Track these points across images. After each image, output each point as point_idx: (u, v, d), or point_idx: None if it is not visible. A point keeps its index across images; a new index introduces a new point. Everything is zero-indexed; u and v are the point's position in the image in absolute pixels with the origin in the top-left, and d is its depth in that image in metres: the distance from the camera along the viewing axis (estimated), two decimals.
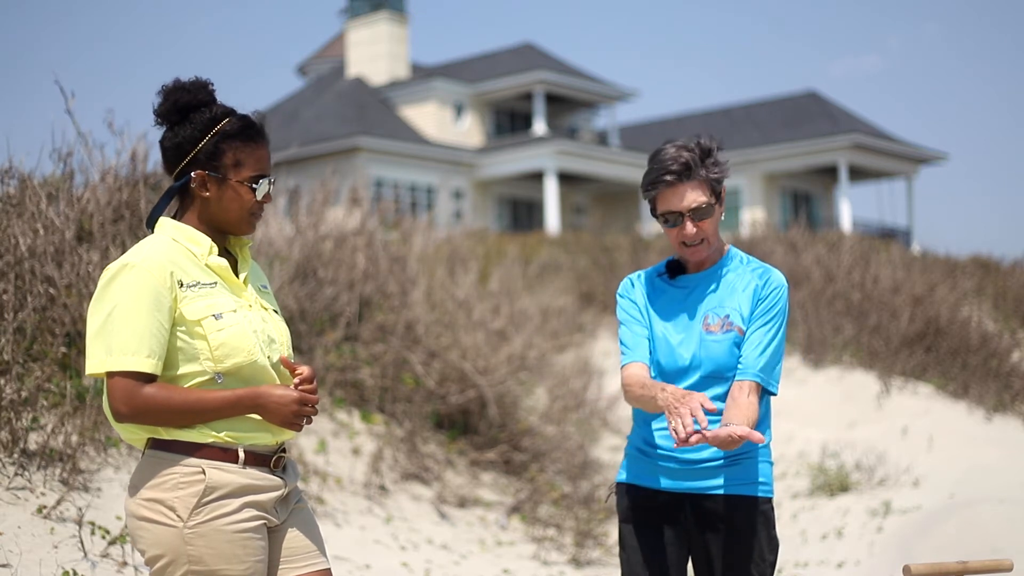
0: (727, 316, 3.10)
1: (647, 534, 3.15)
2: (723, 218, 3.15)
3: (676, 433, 2.80)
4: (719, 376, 3.09)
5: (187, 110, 2.69)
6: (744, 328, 3.09)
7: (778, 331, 3.10)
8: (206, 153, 2.68)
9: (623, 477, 3.24)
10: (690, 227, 3.07)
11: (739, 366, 3.07)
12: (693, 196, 3.05)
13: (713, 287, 3.15)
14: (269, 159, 2.77)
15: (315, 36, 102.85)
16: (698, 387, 3.10)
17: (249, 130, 2.72)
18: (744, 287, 3.13)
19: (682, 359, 3.11)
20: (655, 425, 3.16)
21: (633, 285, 3.25)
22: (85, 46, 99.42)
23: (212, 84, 2.74)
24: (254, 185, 2.72)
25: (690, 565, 3.22)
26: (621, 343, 3.21)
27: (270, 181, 2.76)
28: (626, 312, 3.22)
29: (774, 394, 3.12)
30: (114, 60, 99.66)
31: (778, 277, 3.15)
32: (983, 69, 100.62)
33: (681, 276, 3.19)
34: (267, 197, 2.76)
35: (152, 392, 2.56)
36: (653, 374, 3.16)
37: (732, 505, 3.10)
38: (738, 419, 2.94)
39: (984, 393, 12.29)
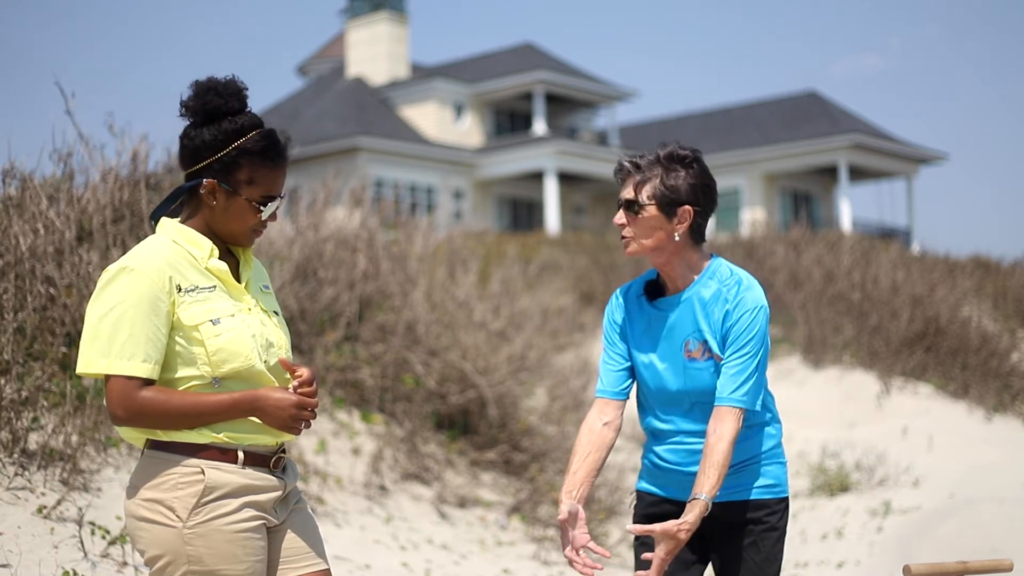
0: (705, 342, 3.07)
1: None
2: (681, 235, 3.04)
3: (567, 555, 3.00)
4: (707, 400, 3.07)
5: (215, 115, 2.66)
6: (722, 356, 3.05)
7: (755, 355, 3.03)
8: (222, 164, 2.66)
9: (640, 485, 3.28)
10: (618, 215, 3.10)
11: (717, 394, 3.03)
12: (629, 190, 3.08)
13: (689, 311, 3.09)
14: (284, 180, 2.74)
15: (315, 36, 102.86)
16: (689, 414, 3.11)
17: (270, 151, 2.69)
18: (718, 312, 3.06)
19: (670, 387, 3.11)
20: (655, 447, 3.19)
21: (617, 302, 3.24)
22: (85, 46, 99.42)
23: (247, 91, 2.70)
24: (262, 207, 2.70)
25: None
26: (600, 366, 3.26)
27: (279, 201, 2.74)
28: (606, 336, 3.24)
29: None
30: (114, 60, 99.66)
31: (752, 298, 3.05)
32: (983, 69, 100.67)
33: (659, 299, 3.15)
34: (272, 217, 2.74)
35: (149, 396, 2.56)
36: (644, 399, 3.20)
37: (747, 508, 3.11)
38: (704, 480, 2.93)
39: (984, 393, 12.29)
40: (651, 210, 3.05)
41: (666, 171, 3.05)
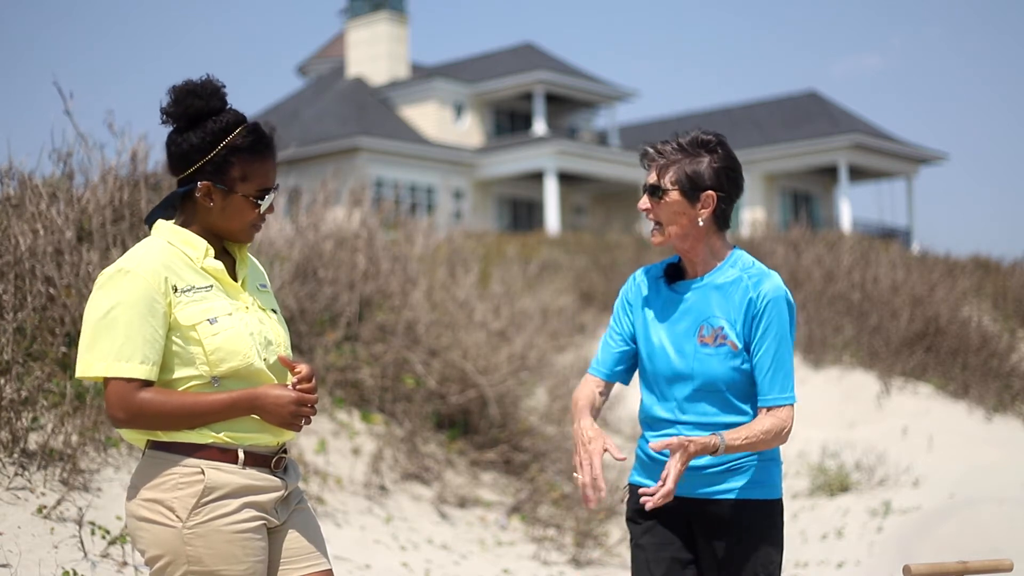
0: (720, 328, 3.06)
1: (655, 532, 3.15)
2: (705, 220, 3.06)
3: (576, 480, 3.01)
4: (713, 388, 3.07)
5: (198, 117, 2.66)
6: (738, 343, 3.05)
7: (781, 343, 3.06)
8: (214, 164, 2.65)
9: (633, 479, 3.26)
10: (642, 200, 3.11)
11: (762, 394, 3.06)
12: (652, 175, 3.10)
13: (707, 296, 3.10)
14: (275, 171, 2.74)
15: (315, 36, 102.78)
16: (692, 399, 3.09)
17: (259, 144, 2.69)
18: (739, 299, 3.07)
19: (677, 369, 3.10)
20: (651, 437, 3.18)
21: (635, 282, 3.25)
22: (85, 46, 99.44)
23: (225, 88, 2.69)
24: (259, 200, 2.71)
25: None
26: (600, 342, 3.27)
27: (274, 192, 2.74)
28: (614, 315, 3.26)
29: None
30: (114, 60, 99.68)
31: (773, 287, 3.07)
32: (983, 69, 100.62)
33: (679, 282, 3.16)
34: (270, 209, 2.74)
35: (148, 397, 2.56)
36: (648, 383, 3.18)
37: (738, 508, 3.09)
38: (734, 431, 2.98)
39: (984, 393, 12.29)
40: (674, 195, 3.06)
41: (689, 156, 3.06)
